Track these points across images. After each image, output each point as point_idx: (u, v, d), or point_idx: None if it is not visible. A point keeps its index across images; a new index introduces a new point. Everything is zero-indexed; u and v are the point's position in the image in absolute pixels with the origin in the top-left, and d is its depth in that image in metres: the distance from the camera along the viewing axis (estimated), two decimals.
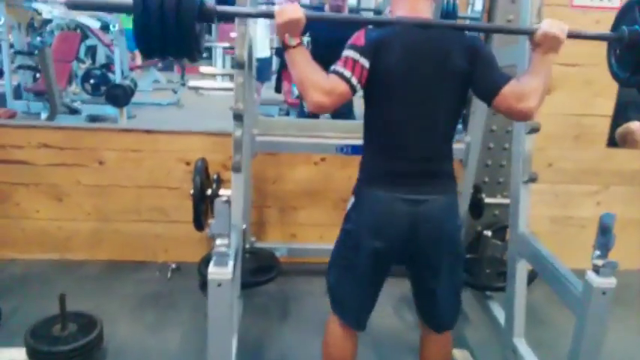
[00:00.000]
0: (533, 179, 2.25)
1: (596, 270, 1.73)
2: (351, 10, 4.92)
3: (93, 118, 5.94)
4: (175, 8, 1.46)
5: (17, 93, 5.83)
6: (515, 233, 2.30)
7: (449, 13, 3.18)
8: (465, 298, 2.91)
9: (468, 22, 3.86)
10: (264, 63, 6.23)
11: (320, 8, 4.23)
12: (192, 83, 7.04)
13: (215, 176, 2.82)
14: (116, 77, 5.93)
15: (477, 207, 3.02)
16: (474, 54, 1.66)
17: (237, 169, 2.17)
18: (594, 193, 3.38)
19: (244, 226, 2.72)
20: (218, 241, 1.67)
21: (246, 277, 2.57)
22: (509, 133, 3.11)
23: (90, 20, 6.51)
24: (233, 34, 8.12)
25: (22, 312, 2.60)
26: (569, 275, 1.92)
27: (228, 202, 1.66)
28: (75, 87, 6.63)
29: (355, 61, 1.62)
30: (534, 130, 2.24)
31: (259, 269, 2.71)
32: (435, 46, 1.66)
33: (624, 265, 1.73)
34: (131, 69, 6.55)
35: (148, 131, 3.02)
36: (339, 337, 1.87)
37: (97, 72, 6.37)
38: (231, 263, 1.69)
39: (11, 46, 5.91)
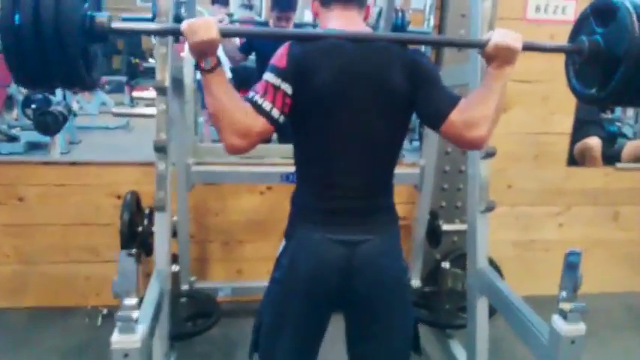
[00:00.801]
0: (490, 208, 2.06)
1: (563, 315, 1.53)
2: (298, 26, 4.66)
3: (33, 146, 5.59)
4: (54, 24, 1.18)
5: None
6: (474, 268, 2.09)
7: (397, 27, 2.99)
8: (424, 336, 2.70)
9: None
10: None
11: (265, 24, 3.99)
12: (115, 109, 6.51)
13: (147, 211, 2.56)
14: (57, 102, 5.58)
15: (434, 234, 2.82)
16: (415, 70, 1.43)
17: (160, 207, 1.91)
18: (556, 214, 3.22)
19: (177, 268, 2.48)
20: (125, 302, 1.42)
21: (181, 327, 2.32)
22: (466, 155, 2.94)
23: None
24: None
25: None
26: (534, 319, 1.71)
27: (133, 255, 1.41)
28: (15, 113, 6.24)
29: (276, 88, 1.38)
30: (490, 154, 2.06)
31: (197, 315, 2.45)
32: (370, 63, 1.42)
33: (586, 289, 1.56)
34: (75, 92, 6.20)
35: (72, 163, 2.74)
36: None
37: (39, 96, 5.99)
38: (141, 328, 1.43)
39: None
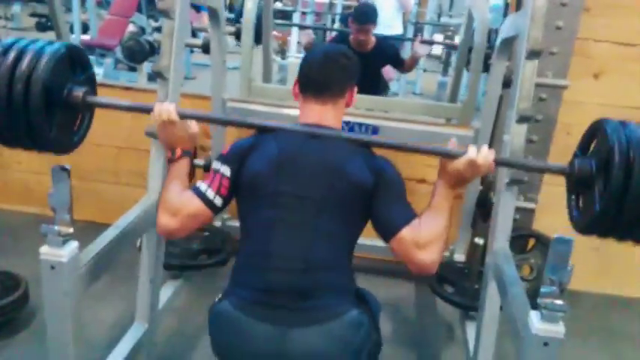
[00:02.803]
0: (517, 181, 1.76)
1: (541, 312, 1.28)
2: None
3: (152, 77, 5.88)
4: (24, 89, 1.28)
5: None
6: (491, 249, 1.82)
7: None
8: (446, 314, 2.48)
9: None
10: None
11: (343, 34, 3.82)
12: None
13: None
14: None
15: (484, 207, 2.51)
16: (380, 175, 1.40)
17: (152, 134, 1.87)
18: None
19: None
20: (57, 217, 1.41)
21: (185, 259, 2.32)
22: (538, 123, 2.58)
23: None
24: None
25: None
26: (522, 311, 1.44)
27: (65, 170, 1.39)
28: None
29: (216, 172, 1.43)
30: (525, 118, 1.74)
31: (208, 251, 2.41)
32: (325, 150, 1.41)
33: None
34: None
35: (127, 88, 2.81)
36: None
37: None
38: (72, 244, 1.42)
39: None
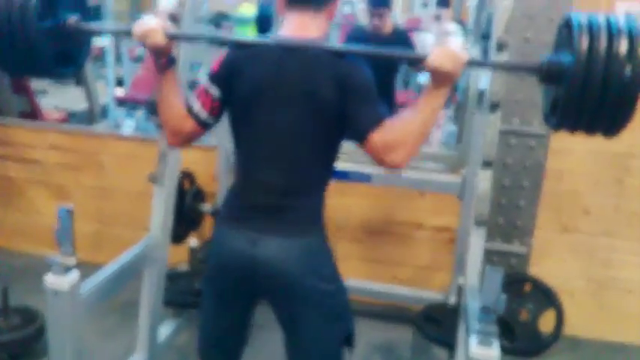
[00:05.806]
0: (479, 222, 1.87)
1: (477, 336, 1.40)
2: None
3: None
4: (20, 20, 1.43)
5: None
6: (465, 288, 1.92)
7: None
8: (442, 356, 2.54)
9: None
10: None
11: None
12: None
13: (194, 189, 2.77)
14: None
15: None
16: (345, 81, 1.40)
17: (154, 179, 2.10)
18: None
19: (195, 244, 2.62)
20: (61, 250, 1.61)
21: (181, 297, 2.48)
22: (527, 170, 2.69)
23: None
24: None
25: None
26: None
27: (69, 211, 1.58)
28: None
29: (207, 92, 1.49)
30: (488, 163, 1.89)
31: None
32: (294, 70, 1.44)
33: None
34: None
35: (143, 139, 3.06)
36: None
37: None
38: (73, 274, 1.61)
39: None
